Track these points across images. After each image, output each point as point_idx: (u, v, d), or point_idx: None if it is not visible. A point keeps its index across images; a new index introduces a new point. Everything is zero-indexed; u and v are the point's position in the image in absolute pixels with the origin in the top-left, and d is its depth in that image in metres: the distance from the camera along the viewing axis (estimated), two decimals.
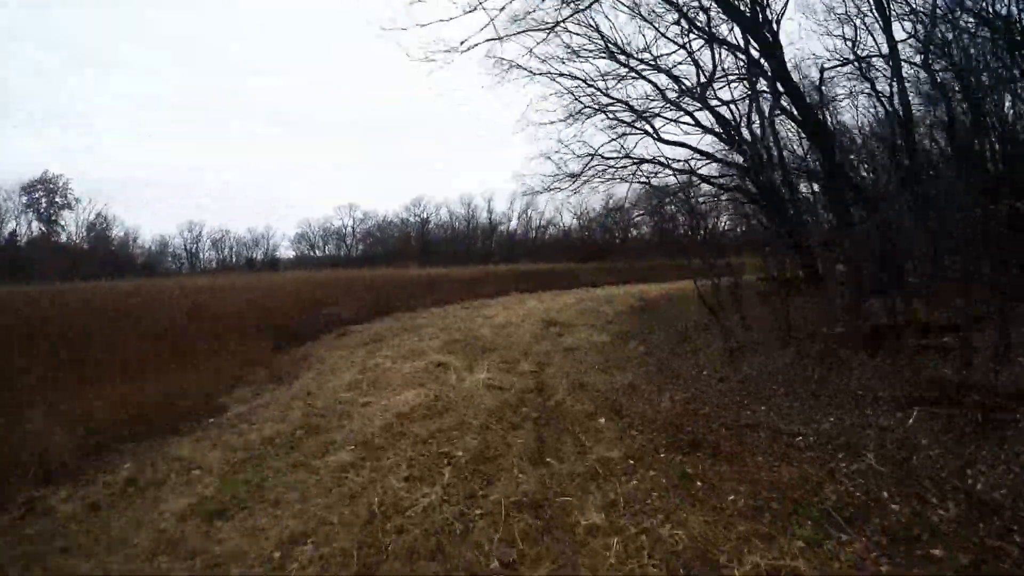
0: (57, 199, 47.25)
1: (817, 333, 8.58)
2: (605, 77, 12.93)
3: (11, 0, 73.89)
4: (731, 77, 11.98)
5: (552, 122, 13.47)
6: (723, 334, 9.37)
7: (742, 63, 11.62)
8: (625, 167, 13.82)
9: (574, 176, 13.60)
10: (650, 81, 12.90)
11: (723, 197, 13.68)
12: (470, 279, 23.29)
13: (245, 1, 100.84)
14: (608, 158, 13.93)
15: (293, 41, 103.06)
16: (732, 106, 12.46)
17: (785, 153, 12.96)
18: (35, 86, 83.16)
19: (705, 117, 13.01)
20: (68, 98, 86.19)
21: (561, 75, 12.78)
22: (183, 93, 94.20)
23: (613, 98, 12.87)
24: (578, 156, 14.08)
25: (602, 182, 13.73)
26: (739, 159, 12.81)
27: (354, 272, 30.83)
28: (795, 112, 10.62)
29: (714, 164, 13.66)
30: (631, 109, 12.69)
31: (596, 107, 12.87)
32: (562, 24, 11.25)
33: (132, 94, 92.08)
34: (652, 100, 13.09)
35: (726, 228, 17.39)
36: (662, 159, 13.63)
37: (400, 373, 7.63)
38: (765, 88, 11.11)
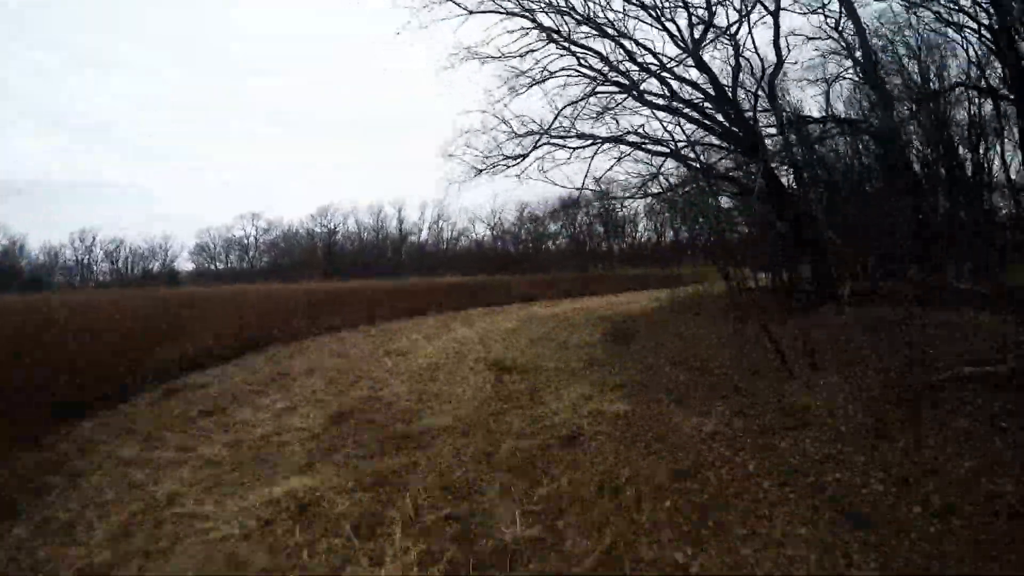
0: None
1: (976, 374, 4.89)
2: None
3: (11, 0, 69.45)
4: None
5: (501, 56, 9.12)
6: (800, 382, 5.45)
7: None
8: (583, 147, 9.74)
9: (520, 156, 9.33)
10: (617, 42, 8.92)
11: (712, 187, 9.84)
12: (378, 294, 18.37)
13: (245, 1, 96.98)
14: (557, 138, 9.83)
15: (293, 41, 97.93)
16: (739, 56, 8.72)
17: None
18: (35, 86, 79.20)
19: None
20: (68, 98, 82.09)
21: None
22: (183, 93, 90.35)
23: (580, 45, 8.76)
24: (520, 135, 9.89)
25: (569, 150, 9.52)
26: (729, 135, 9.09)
27: (241, 287, 24.90)
28: None
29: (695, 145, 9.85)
30: (603, 59, 8.62)
31: (565, 42, 8.69)
32: None
33: (132, 94, 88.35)
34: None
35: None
36: (632, 137, 9.67)
37: (203, 542, 2.97)
38: None
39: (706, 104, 9.25)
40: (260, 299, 16.44)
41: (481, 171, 9.76)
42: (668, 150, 9.27)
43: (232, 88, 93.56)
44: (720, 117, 9.19)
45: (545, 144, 9.50)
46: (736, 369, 6.12)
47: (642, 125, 9.76)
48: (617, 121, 9.40)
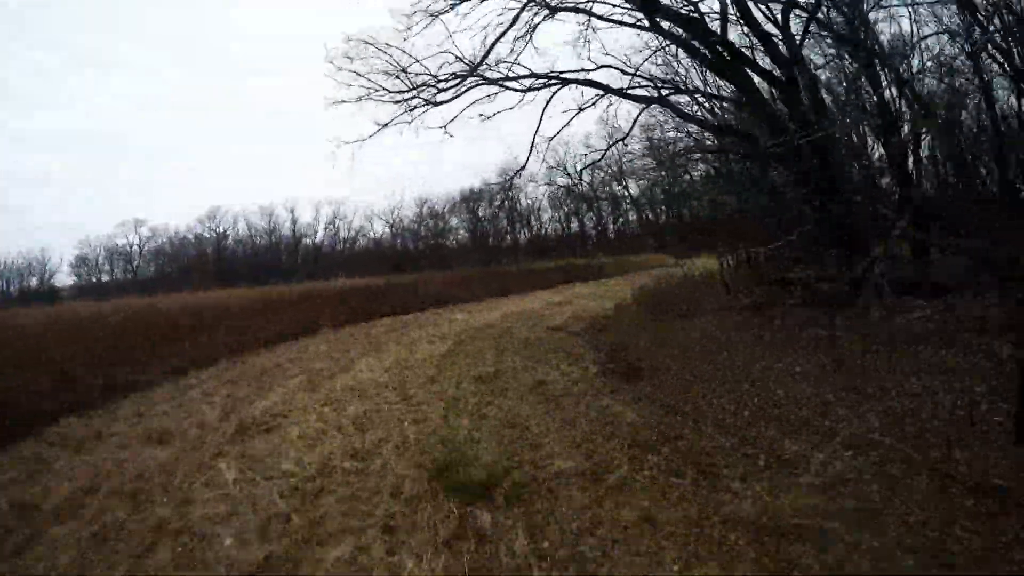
0: None
1: None
2: None
3: (11, 0, 64.08)
4: None
5: None
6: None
7: None
8: (535, 89, 6.47)
9: (453, 93, 5.88)
10: None
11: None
12: (264, 306, 13.81)
13: (245, 1, 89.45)
14: (496, 80, 6.45)
15: (293, 41, 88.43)
16: None
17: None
18: (35, 86, 73.83)
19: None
20: (68, 98, 76.75)
21: None
22: (183, 93, 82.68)
23: None
24: (441, 80, 6.41)
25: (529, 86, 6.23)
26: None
27: (97, 306, 18.71)
28: None
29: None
30: None
31: None
32: None
33: (132, 94, 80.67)
34: None
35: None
36: (594, 78, 6.54)
37: None
38: None
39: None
40: (88, 324, 11.44)
41: (387, 124, 6.14)
42: (653, 95, 6.18)
43: (232, 88, 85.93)
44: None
45: (478, 85, 6.08)
46: (890, 428, 3.12)
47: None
48: (588, 48, 6.15)
